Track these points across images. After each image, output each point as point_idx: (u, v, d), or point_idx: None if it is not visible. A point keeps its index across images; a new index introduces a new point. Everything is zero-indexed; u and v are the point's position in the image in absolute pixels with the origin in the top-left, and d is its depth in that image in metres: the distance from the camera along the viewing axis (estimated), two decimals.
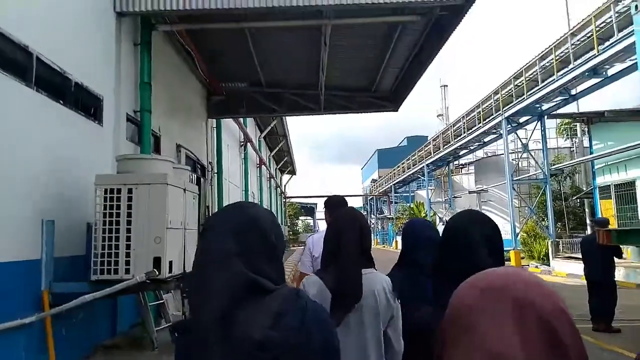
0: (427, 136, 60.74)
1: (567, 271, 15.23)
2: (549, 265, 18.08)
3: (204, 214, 10.93)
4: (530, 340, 0.63)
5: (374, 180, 69.37)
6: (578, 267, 12.77)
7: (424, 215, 37.66)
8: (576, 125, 27.91)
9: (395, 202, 48.81)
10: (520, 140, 20.37)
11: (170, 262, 5.26)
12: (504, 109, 19.52)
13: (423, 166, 32.83)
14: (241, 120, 18.39)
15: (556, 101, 17.97)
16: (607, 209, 16.73)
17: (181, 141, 10.60)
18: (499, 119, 20.04)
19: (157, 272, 4.99)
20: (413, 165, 37.06)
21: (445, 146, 28.02)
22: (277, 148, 31.15)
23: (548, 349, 0.63)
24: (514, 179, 19.97)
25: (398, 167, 43.67)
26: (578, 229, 21.54)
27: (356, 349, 1.86)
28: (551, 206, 18.81)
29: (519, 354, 0.62)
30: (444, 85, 68.49)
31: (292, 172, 45.19)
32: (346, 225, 2.04)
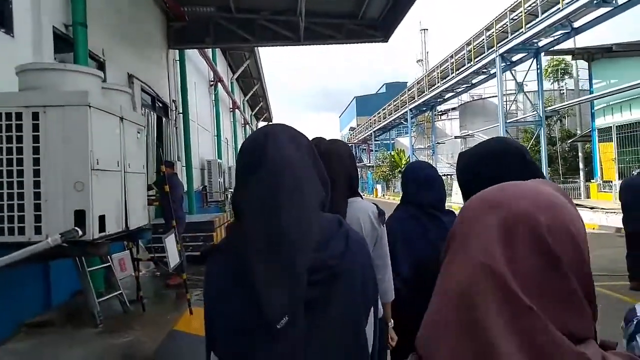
0: (406, 82, 58.95)
1: None
2: None
3: (158, 155, 9.35)
4: (518, 255, 0.58)
5: (352, 129, 67.86)
6: (583, 215, 11.84)
7: (405, 162, 36.66)
8: (565, 67, 26.66)
9: (376, 150, 47.61)
10: (515, 79, 18.98)
11: (102, 218, 3.76)
12: (499, 44, 17.97)
13: (406, 111, 31.36)
14: (210, 56, 16.36)
15: (555, 36, 16.50)
16: (606, 152, 15.77)
17: (135, 71, 8.80)
18: (493, 56, 18.54)
19: (79, 232, 3.49)
20: (395, 111, 35.57)
21: (431, 88, 26.49)
22: (252, 92, 29.03)
23: (540, 266, 0.57)
24: (507, 121, 18.73)
25: (378, 113, 42.12)
26: (568, 175, 20.73)
27: None
28: (545, 151, 17.80)
29: (504, 269, 0.57)
30: (424, 29, 65.84)
31: (269, 120, 43.18)
32: (332, 155, 1.99)
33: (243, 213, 1.02)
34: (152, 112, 9.98)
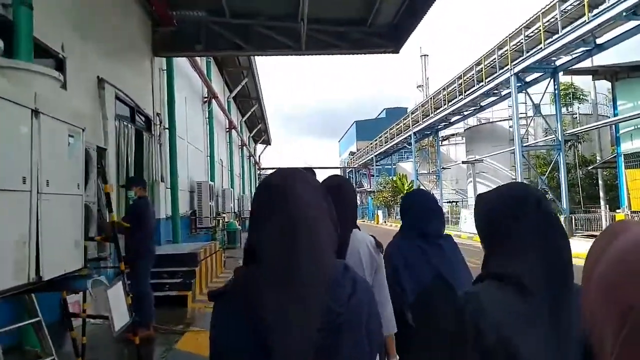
0: (406, 108, 58.28)
1: None
2: None
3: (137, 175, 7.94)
4: None
5: (352, 153, 66.85)
6: None
7: (407, 188, 35.29)
8: (574, 91, 25.61)
9: (377, 176, 46.29)
10: (532, 100, 17.75)
11: None
12: (513, 63, 16.82)
13: (409, 135, 30.16)
14: (204, 70, 15.16)
15: (576, 54, 15.36)
16: (634, 179, 14.37)
17: (108, 76, 7.47)
18: (506, 75, 17.38)
19: None
20: (397, 135, 34.39)
21: (437, 111, 25.32)
22: (250, 113, 27.89)
23: None
24: (524, 145, 17.40)
25: (379, 137, 40.97)
26: (586, 204, 19.30)
27: None
28: (565, 177, 16.43)
29: None
30: (425, 55, 65.60)
31: (267, 142, 41.92)
32: (334, 189, 1.93)
33: (259, 258, 1.01)
34: (130, 125, 8.63)
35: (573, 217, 16.34)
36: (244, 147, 29.27)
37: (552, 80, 16.92)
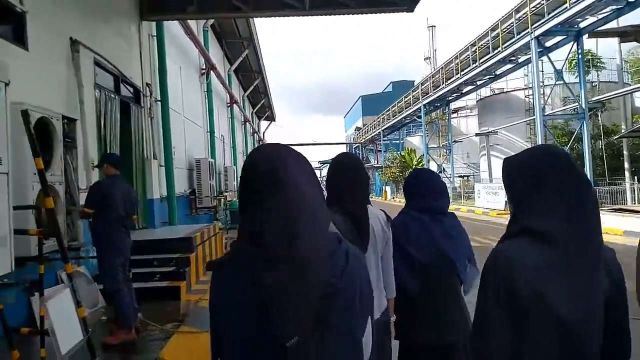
0: (413, 81, 56.50)
1: (622, 228, 11.93)
2: None
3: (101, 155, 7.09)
4: None
5: (358, 129, 65.50)
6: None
7: (416, 163, 34.26)
8: (592, 58, 24.18)
9: (384, 151, 45.16)
10: (553, 65, 16.52)
11: None
12: (534, 26, 15.56)
13: (419, 107, 28.94)
14: (201, 40, 14.09)
15: (604, 13, 14.09)
16: None
17: (84, 38, 6.50)
18: (526, 39, 16.13)
19: None
20: (405, 108, 33.15)
21: (449, 81, 24.06)
22: (252, 87, 26.77)
23: None
24: (545, 114, 16.27)
25: (387, 111, 39.69)
26: (610, 176, 18.21)
27: None
28: (589, 147, 15.36)
29: None
30: (432, 26, 63.48)
31: (271, 118, 40.77)
32: (349, 168, 2.24)
33: (258, 234, 1.00)
34: (114, 96, 7.69)
35: (597, 190, 15.29)
36: (247, 123, 28.26)
37: (575, 44, 15.68)
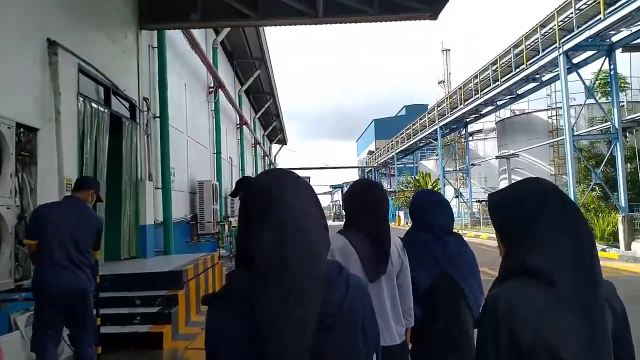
0: (427, 105, 55.78)
1: None
2: (618, 247, 13.58)
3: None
4: None
5: (370, 152, 64.70)
6: None
7: (431, 187, 33.04)
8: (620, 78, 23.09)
9: (398, 175, 44.02)
10: (583, 82, 15.46)
11: None
12: (562, 41, 14.61)
13: (435, 129, 27.92)
14: (209, 57, 13.39)
15: (638, 25, 13.11)
16: None
17: (67, 42, 5.66)
18: (553, 55, 15.15)
19: None
20: (420, 131, 32.16)
21: (467, 101, 23.07)
22: (263, 109, 26.13)
23: None
24: (574, 134, 15.12)
25: (401, 134, 38.73)
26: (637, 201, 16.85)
27: (375, 298, 1.84)
28: (623, 170, 14.14)
29: None
30: (446, 50, 63.22)
31: (282, 142, 40.13)
32: (369, 191, 2.22)
33: (252, 262, 0.97)
34: (103, 109, 6.83)
35: (632, 216, 13.98)
36: (258, 146, 27.47)
37: (606, 59, 14.66)
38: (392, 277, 2.14)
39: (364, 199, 2.17)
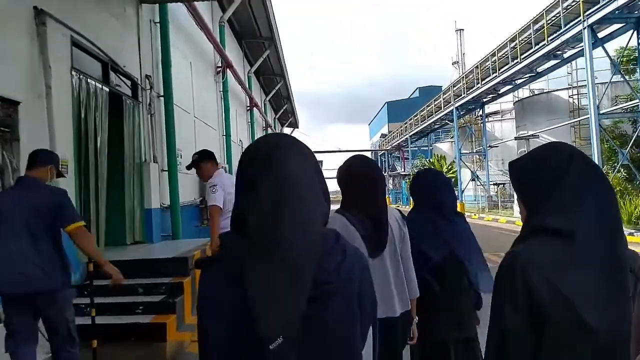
0: (440, 86, 54.64)
1: None
2: None
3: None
4: None
5: (383, 135, 63.92)
6: None
7: (446, 170, 32.41)
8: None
9: (412, 159, 43.32)
10: (609, 57, 14.68)
11: None
12: (586, 14, 13.81)
13: (451, 110, 27.16)
14: (217, 37, 12.90)
15: None
16: None
17: (58, 13, 5.24)
18: (577, 29, 14.36)
19: None
20: (435, 112, 31.37)
21: (485, 80, 22.28)
22: (274, 91, 25.62)
23: None
24: (600, 113, 14.38)
25: (415, 116, 37.93)
26: None
27: (379, 271, 2.07)
28: None
29: None
30: (460, 29, 61.69)
31: (294, 125, 39.55)
32: (366, 169, 2.22)
33: (245, 224, 0.94)
34: (101, 86, 6.43)
35: None
36: (269, 129, 27.03)
37: (634, 32, 13.85)
38: (396, 251, 2.20)
39: (363, 180, 2.15)
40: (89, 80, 6.04)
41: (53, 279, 2.86)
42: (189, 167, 4.88)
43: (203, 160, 4.70)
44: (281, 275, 0.86)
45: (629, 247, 1.12)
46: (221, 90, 14.36)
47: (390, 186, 54.49)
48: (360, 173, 2.17)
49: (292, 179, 0.95)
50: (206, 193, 4.54)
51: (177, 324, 4.99)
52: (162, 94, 8.63)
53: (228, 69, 14.32)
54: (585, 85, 15.77)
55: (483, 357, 2.15)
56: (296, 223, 0.91)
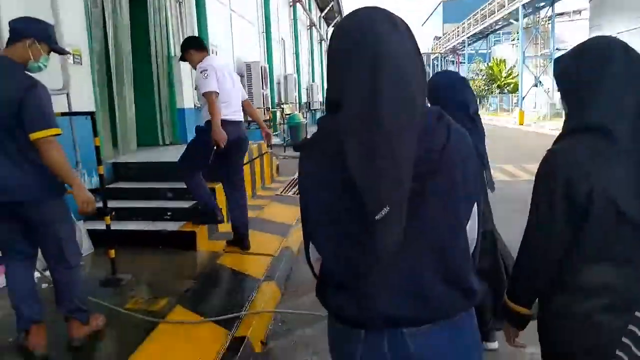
0: None
1: None
2: None
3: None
4: None
5: (437, 38, 59.57)
6: None
7: (506, 75, 29.97)
8: None
9: (469, 62, 40.32)
10: None
11: None
12: None
13: (518, 7, 24.22)
14: None
15: None
16: None
17: None
18: None
19: None
20: (499, 10, 28.22)
21: None
22: None
23: None
24: None
25: (475, 15, 34.48)
26: None
27: None
28: None
29: None
30: None
31: None
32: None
33: (341, 105, 0.88)
34: None
35: None
36: (313, 28, 25.32)
37: None
38: None
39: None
40: None
41: (26, 188, 2.26)
42: (181, 59, 4.27)
43: (186, 49, 4.10)
44: (385, 148, 0.83)
45: None
46: None
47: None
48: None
49: (390, 50, 0.87)
50: (197, 80, 3.98)
51: (209, 233, 4.62)
52: None
53: None
54: None
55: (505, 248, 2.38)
56: (396, 99, 0.85)
